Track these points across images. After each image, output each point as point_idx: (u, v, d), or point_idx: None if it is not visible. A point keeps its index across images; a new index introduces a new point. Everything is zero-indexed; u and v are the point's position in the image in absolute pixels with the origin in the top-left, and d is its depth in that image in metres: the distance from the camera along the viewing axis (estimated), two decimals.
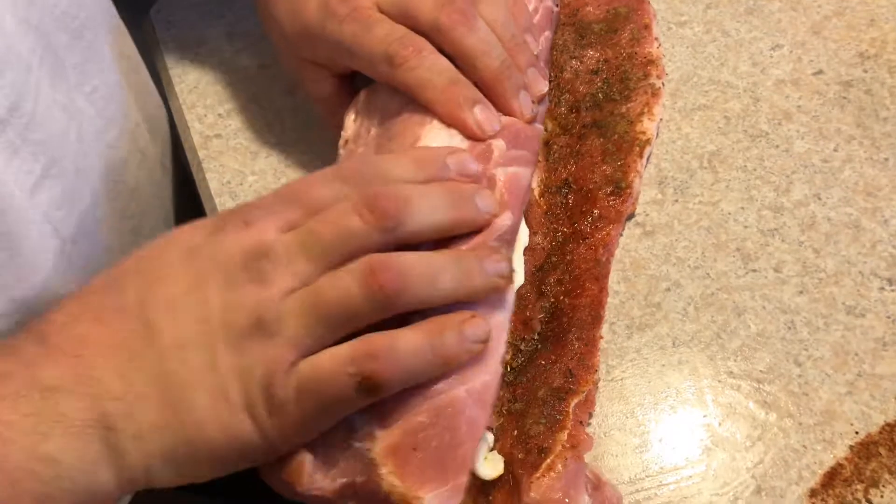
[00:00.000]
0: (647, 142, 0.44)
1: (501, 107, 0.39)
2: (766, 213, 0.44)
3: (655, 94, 0.46)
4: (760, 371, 0.39)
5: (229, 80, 0.53)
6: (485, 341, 0.31)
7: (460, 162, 0.35)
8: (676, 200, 0.45)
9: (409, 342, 0.30)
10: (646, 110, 0.45)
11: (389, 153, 0.38)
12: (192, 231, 0.33)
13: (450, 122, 0.38)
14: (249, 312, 0.30)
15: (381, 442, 0.30)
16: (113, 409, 0.29)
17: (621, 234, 0.43)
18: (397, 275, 0.30)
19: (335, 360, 0.30)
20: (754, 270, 0.42)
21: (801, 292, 0.41)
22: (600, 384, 0.39)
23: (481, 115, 0.37)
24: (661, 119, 0.46)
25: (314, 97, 0.46)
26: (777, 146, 0.46)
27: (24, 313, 0.37)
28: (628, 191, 0.43)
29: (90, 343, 0.30)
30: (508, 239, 0.35)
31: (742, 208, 0.44)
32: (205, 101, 0.52)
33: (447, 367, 0.31)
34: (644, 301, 0.42)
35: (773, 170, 0.45)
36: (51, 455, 0.28)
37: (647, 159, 0.45)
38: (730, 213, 0.44)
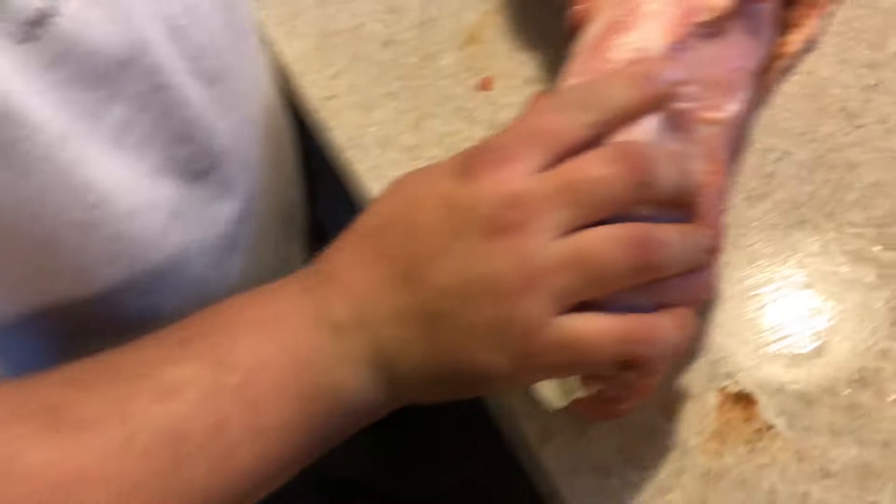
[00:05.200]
0: None
1: None
2: (863, 71, 0.46)
3: None
4: (880, 217, 0.42)
5: (329, 44, 0.57)
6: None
7: (661, 71, 0.35)
8: None
9: (668, 334, 0.32)
10: None
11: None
12: (440, 177, 0.34)
13: None
14: (510, 265, 0.31)
15: None
16: (386, 349, 0.33)
17: None
18: (660, 247, 0.32)
19: (602, 334, 0.31)
20: (860, 126, 0.44)
21: None
22: (734, 252, 0.42)
23: None
24: None
25: None
26: (864, 6, 0.48)
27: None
28: None
29: (369, 287, 0.33)
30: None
31: (840, 71, 0.46)
32: (312, 67, 0.57)
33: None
34: (758, 172, 0.44)
35: (865, 29, 0.47)
36: (337, 384, 0.32)
37: None
38: (827, 78, 0.46)
